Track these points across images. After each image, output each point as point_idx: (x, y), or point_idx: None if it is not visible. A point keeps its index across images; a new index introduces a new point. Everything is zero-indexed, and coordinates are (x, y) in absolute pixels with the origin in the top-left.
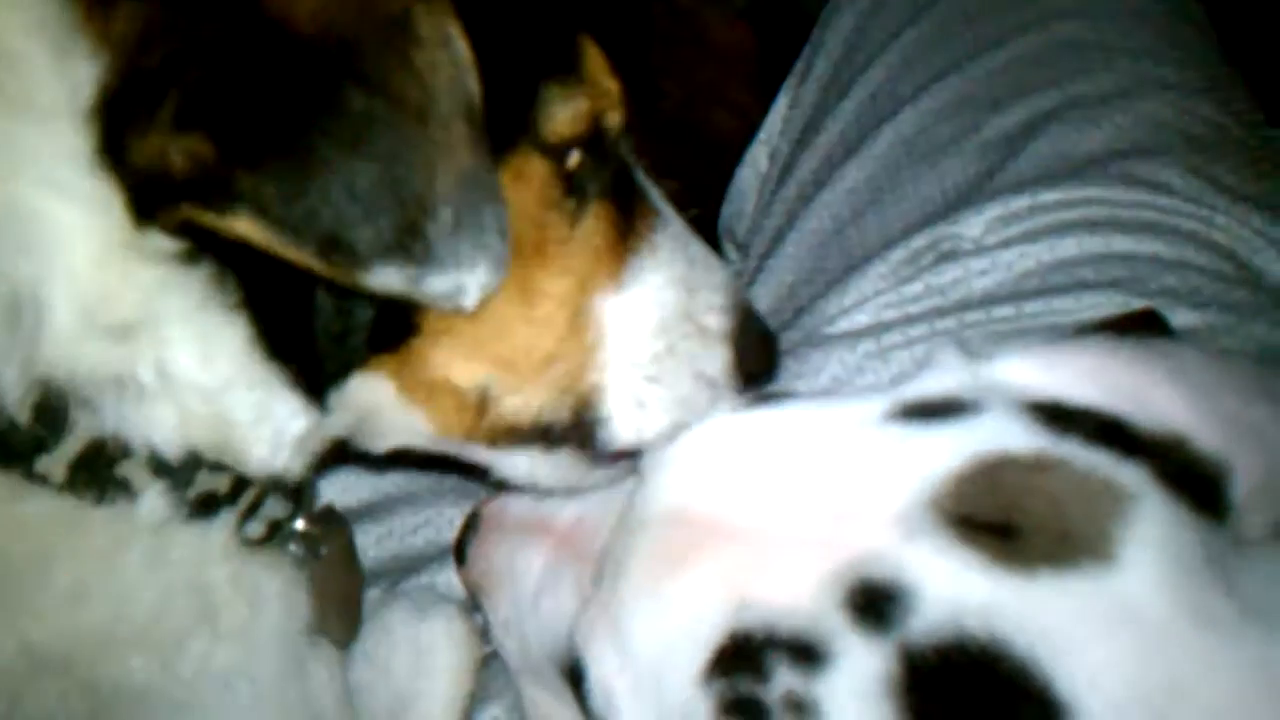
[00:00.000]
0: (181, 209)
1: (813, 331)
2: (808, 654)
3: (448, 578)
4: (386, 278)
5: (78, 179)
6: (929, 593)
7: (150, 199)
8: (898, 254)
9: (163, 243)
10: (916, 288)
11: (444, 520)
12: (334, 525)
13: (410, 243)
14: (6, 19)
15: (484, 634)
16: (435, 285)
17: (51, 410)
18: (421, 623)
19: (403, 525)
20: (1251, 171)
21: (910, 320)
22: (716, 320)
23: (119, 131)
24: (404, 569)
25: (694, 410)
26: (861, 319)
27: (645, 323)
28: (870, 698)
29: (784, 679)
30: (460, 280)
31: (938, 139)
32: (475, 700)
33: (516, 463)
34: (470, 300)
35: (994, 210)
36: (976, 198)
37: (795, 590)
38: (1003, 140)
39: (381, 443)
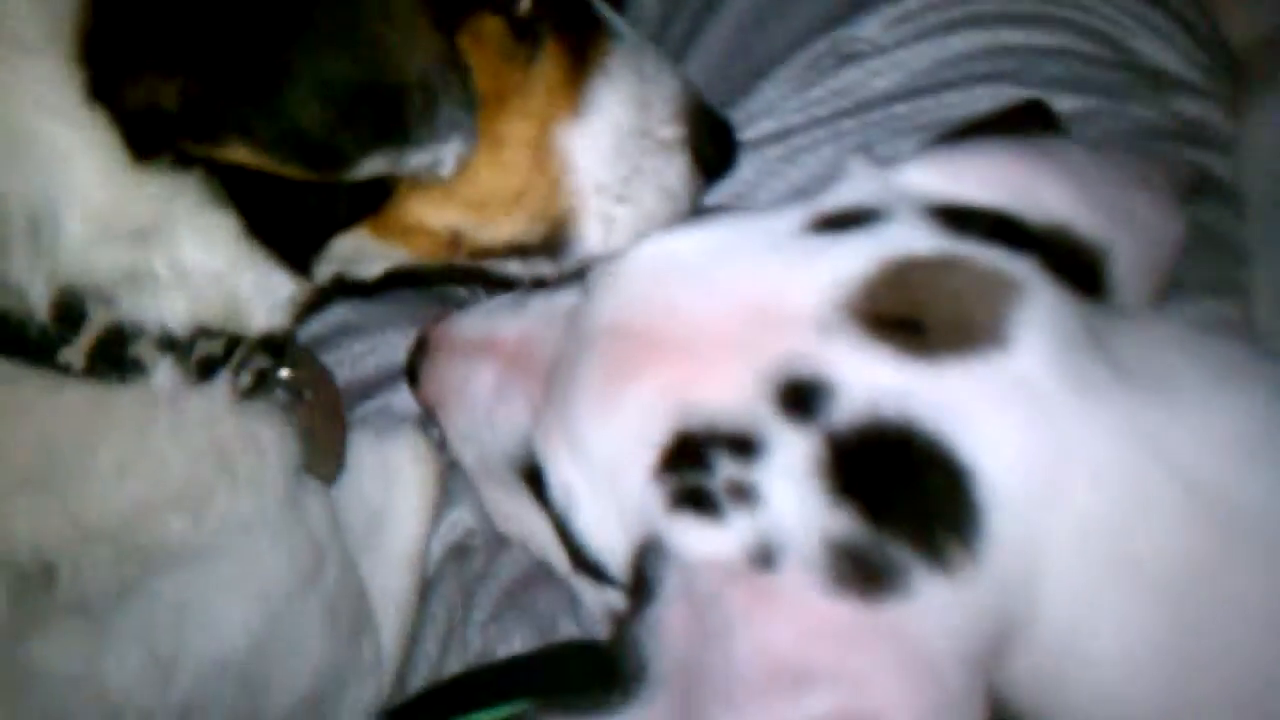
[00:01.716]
0: (177, 144)
1: None
2: (745, 446)
3: (401, 398)
4: (370, 167)
5: (76, 108)
6: (847, 384)
7: (145, 136)
8: (800, 59)
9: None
10: (819, 91)
11: (389, 345)
12: (315, 370)
13: (388, 133)
14: None
15: (441, 445)
16: (414, 162)
17: (70, 307)
18: (384, 444)
19: (351, 353)
20: None
21: (815, 123)
22: (671, 129)
23: (106, 75)
24: (358, 394)
25: (658, 222)
26: (769, 125)
27: (605, 146)
28: (802, 478)
29: (726, 469)
30: (437, 154)
31: None
32: (441, 505)
33: (502, 267)
34: (448, 169)
35: (889, 11)
36: (870, 1)
37: (730, 391)
38: None
39: (370, 274)
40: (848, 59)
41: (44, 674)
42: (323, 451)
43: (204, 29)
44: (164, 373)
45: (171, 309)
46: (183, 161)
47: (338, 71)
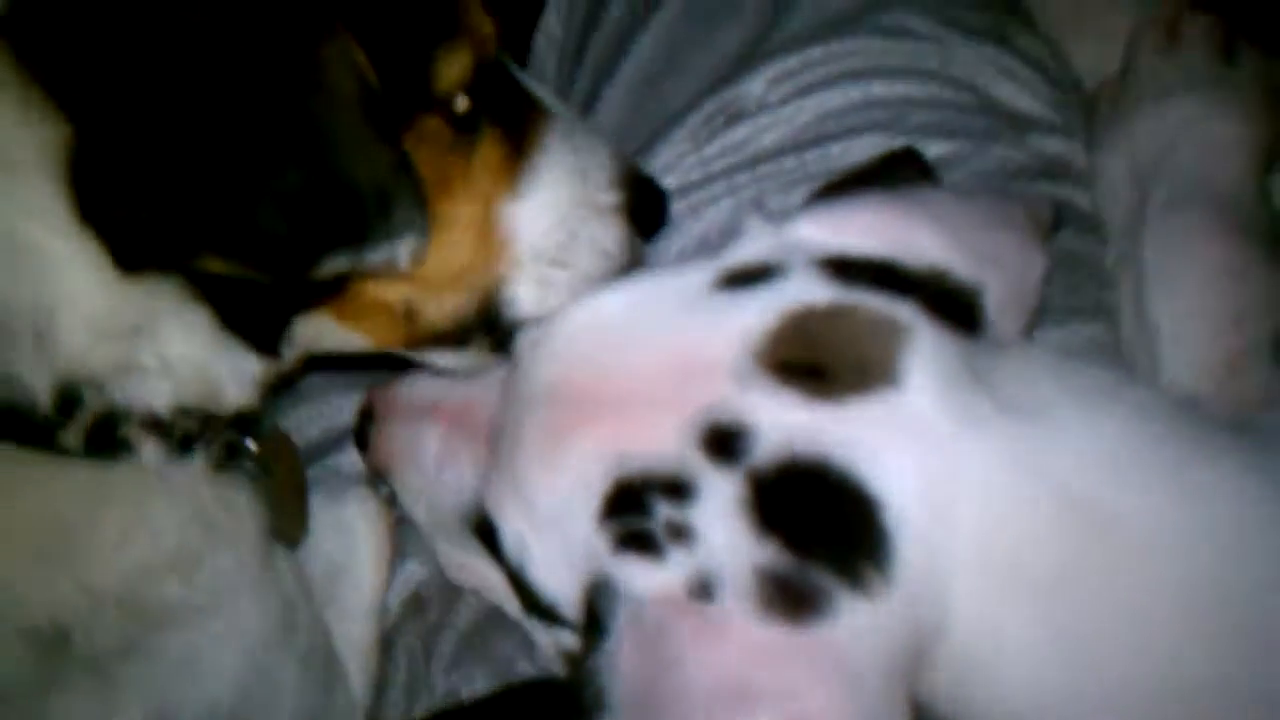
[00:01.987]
0: (157, 259)
1: None
2: (679, 490)
3: (349, 459)
4: (330, 267)
5: (68, 225)
6: (764, 427)
7: (129, 251)
8: (694, 118)
9: None
10: (714, 148)
11: (333, 410)
12: (279, 440)
13: (347, 238)
14: None
15: (391, 501)
16: (372, 260)
17: (68, 397)
18: (337, 503)
19: (299, 419)
20: (981, 6)
21: (712, 178)
22: (608, 196)
23: (92, 202)
24: (307, 457)
25: (595, 282)
26: (671, 181)
27: (546, 218)
28: (732, 515)
29: (663, 511)
30: (393, 251)
31: (712, 5)
32: (395, 559)
33: (439, 358)
34: (404, 263)
35: (770, 71)
36: (755, 60)
37: (661, 440)
38: (769, 3)
39: (324, 353)
40: (736, 116)
41: None
42: (289, 516)
43: (176, 156)
44: (150, 449)
45: (156, 393)
46: (163, 268)
47: (296, 187)
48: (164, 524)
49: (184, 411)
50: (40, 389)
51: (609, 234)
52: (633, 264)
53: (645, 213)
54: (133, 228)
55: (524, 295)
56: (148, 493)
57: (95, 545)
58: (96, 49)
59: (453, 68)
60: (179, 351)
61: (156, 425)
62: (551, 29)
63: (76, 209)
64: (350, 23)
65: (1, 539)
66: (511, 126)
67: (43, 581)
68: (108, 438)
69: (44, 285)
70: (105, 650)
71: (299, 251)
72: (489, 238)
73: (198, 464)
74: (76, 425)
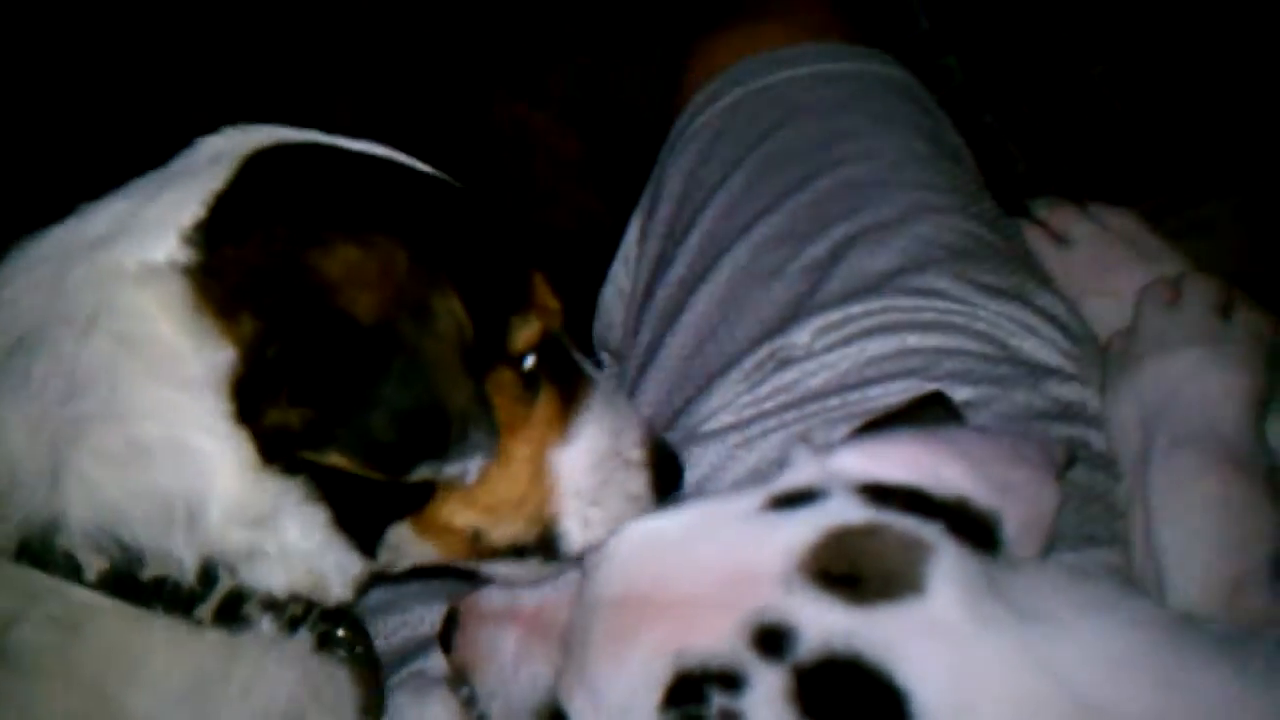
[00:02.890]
0: (294, 452)
1: (690, 430)
2: (731, 681)
3: (431, 663)
4: (420, 473)
5: (224, 428)
6: (806, 627)
7: (274, 446)
8: (747, 363)
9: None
10: (765, 389)
11: (415, 619)
12: (361, 631)
13: (436, 450)
14: (162, 320)
15: (469, 703)
16: (450, 471)
17: (207, 574)
18: (421, 703)
19: (385, 628)
20: (1002, 269)
21: (764, 415)
22: (637, 453)
23: (250, 405)
24: (394, 661)
25: (625, 521)
26: (726, 418)
27: (586, 464)
28: (778, 703)
29: (717, 700)
30: (465, 465)
31: (766, 266)
32: None
33: (499, 569)
34: (472, 476)
35: (816, 322)
36: (801, 313)
37: (716, 638)
38: (815, 265)
39: (405, 565)
40: (785, 362)
41: None
42: (366, 701)
43: (320, 378)
44: (265, 625)
45: (275, 578)
46: (291, 469)
47: (405, 406)
48: (279, 683)
49: (294, 597)
50: (189, 566)
51: (636, 482)
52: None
53: (666, 472)
54: (282, 425)
55: (572, 529)
56: (264, 658)
57: (224, 696)
58: (270, 295)
59: (526, 332)
60: (297, 543)
61: (272, 605)
62: (621, 283)
63: (236, 413)
64: (457, 285)
65: (149, 683)
66: (564, 387)
67: None
68: (233, 613)
69: (199, 479)
70: None
71: (400, 456)
72: (540, 475)
73: (303, 641)
74: (212, 599)
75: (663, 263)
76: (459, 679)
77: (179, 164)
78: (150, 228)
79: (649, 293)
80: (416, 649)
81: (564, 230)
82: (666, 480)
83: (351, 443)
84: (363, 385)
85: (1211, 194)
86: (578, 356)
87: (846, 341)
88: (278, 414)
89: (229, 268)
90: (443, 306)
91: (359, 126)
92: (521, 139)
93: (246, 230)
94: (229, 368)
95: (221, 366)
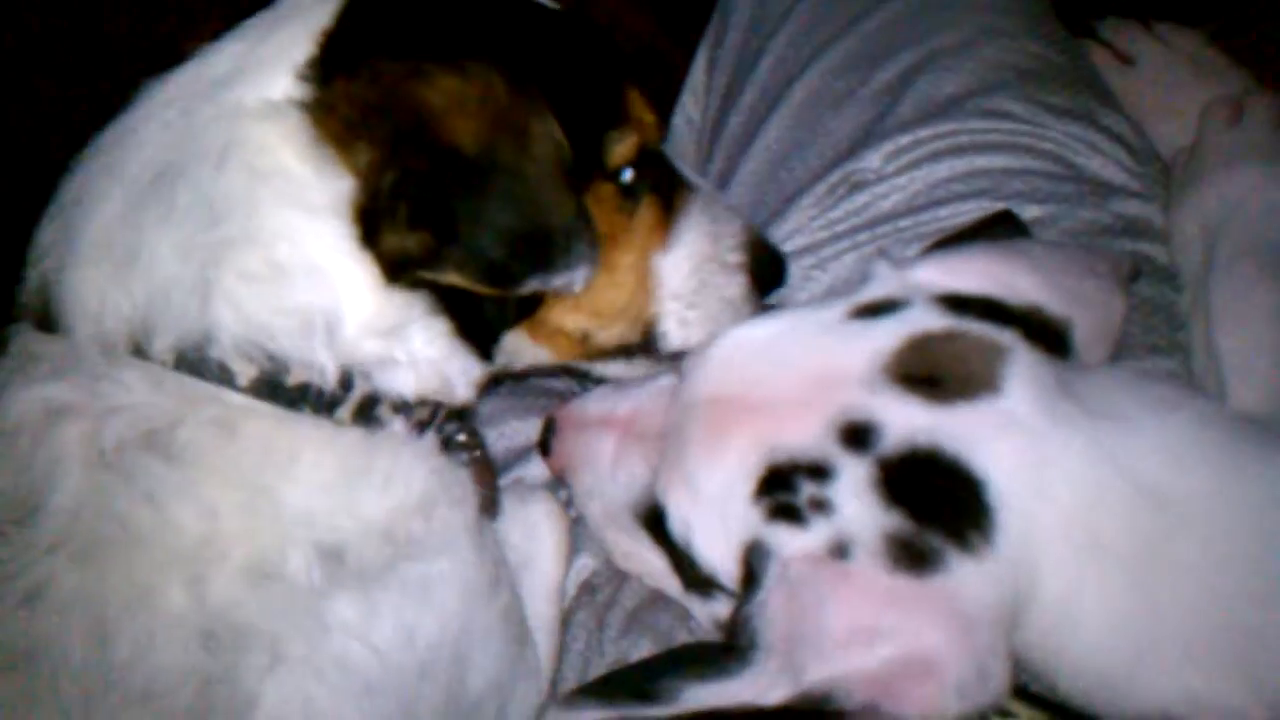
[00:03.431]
0: (415, 272)
1: None
2: (820, 472)
3: (530, 470)
4: (529, 286)
5: (352, 249)
6: (890, 424)
7: (395, 267)
8: (820, 187)
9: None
10: (838, 212)
11: (513, 431)
12: (477, 437)
13: (542, 264)
14: (286, 152)
15: (568, 504)
16: (556, 282)
17: (346, 380)
18: (524, 505)
19: (486, 439)
20: (1069, 90)
21: (837, 238)
22: (735, 257)
23: (372, 230)
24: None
25: (722, 323)
26: (801, 240)
27: (685, 269)
28: (863, 492)
29: (807, 489)
30: (571, 276)
31: (837, 92)
32: (570, 553)
33: (609, 368)
34: (578, 287)
35: (886, 147)
36: (872, 138)
37: (805, 434)
38: (885, 90)
39: (521, 365)
40: (857, 186)
41: (336, 625)
42: (486, 497)
43: (432, 203)
44: (398, 426)
45: (405, 383)
46: (415, 285)
47: (510, 226)
48: (414, 475)
49: (422, 400)
50: (330, 372)
51: (733, 286)
52: (751, 311)
53: (766, 272)
54: (401, 248)
55: (671, 329)
56: (400, 452)
57: (366, 485)
58: (380, 128)
59: (623, 147)
60: (423, 351)
61: (403, 407)
62: (690, 113)
63: (361, 238)
64: (554, 106)
65: (302, 475)
66: (664, 196)
67: (328, 510)
68: (368, 414)
69: (333, 295)
70: (369, 568)
71: (510, 272)
72: (643, 281)
73: (429, 441)
74: (350, 402)
75: (733, 91)
76: (558, 482)
77: (287, 4)
78: (266, 66)
79: (720, 121)
80: (514, 459)
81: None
82: (769, 280)
83: (464, 262)
84: (470, 208)
85: (1274, 13)
86: (678, 165)
87: (916, 164)
88: (396, 238)
89: (341, 102)
90: (540, 128)
91: None
92: None
93: (355, 65)
94: (351, 195)
95: (344, 194)
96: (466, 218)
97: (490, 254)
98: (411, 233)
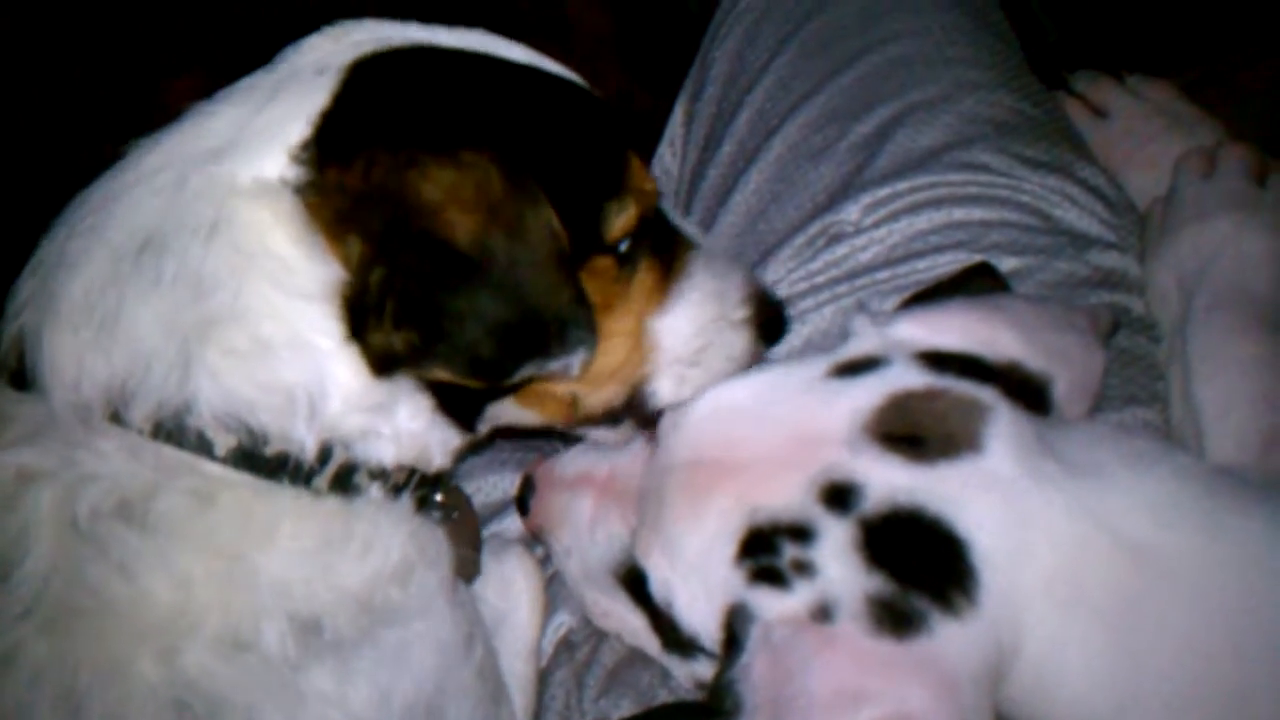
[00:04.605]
0: (401, 369)
1: None
2: (802, 533)
3: (508, 525)
4: (522, 375)
5: (340, 336)
6: (872, 484)
7: (382, 362)
8: (798, 240)
9: None
10: (817, 264)
11: (490, 486)
12: (459, 498)
13: (535, 354)
14: (277, 234)
15: (545, 561)
16: (552, 367)
17: (325, 451)
18: (500, 561)
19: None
20: (1045, 143)
21: (816, 289)
22: (740, 312)
23: (358, 324)
24: None
25: (721, 380)
26: (780, 292)
27: (687, 331)
28: (846, 554)
29: (789, 551)
30: (568, 361)
31: (815, 146)
32: (548, 610)
33: (594, 433)
34: (575, 371)
35: (864, 199)
36: (850, 190)
37: (787, 495)
38: (863, 143)
39: (502, 424)
40: (835, 238)
41: (311, 694)
42: (466, 557)
43: (420, 302)
44: (374, 492)
45: (385, 453)
46: (402, 375)
47: (502, 321)
48: (393, 542)
49: (400, 467)
50: (309, 446)
51: (738, 342)
52: (754, 365)
53: (769, 323)
54: (386, 346)
55: (663, 389)
56: (378, 519)
57: (344, 554)
58: (372, 220)
59: (622, 219)
60: (406, 424)
61: (380, 474)
62: (667, 164)
63: (348, 328)
64: (546, 185)
65: (279, 545)
66: (664, 257)
67: (305, 579)
68: (346, 482)
69: (319, 374)
70: (346, 638)
71: (501, 367)
72: (639, 345)
73: (406, 505)
74: (327, 473)
75: (711, 144)
76: (535, 539)
77: (285, 69)
78: (260, 142)
79: (698, 173)
80: (490, 514)
81: None
82: (772, 331)
83: (453, 360)
84: (459, 305)
85: (1247, 63)
86: (677, 223)
87: (894, 217)
88: (382, 336)
89: (334, 191)
90: (535, 219)
91: (388, 8)
92: (558, 18)
93: (350, 152)
94: (340, 285)
95: (333, 282)
96: (454, 315)
97: (479, 351)
98: (398, 331)
